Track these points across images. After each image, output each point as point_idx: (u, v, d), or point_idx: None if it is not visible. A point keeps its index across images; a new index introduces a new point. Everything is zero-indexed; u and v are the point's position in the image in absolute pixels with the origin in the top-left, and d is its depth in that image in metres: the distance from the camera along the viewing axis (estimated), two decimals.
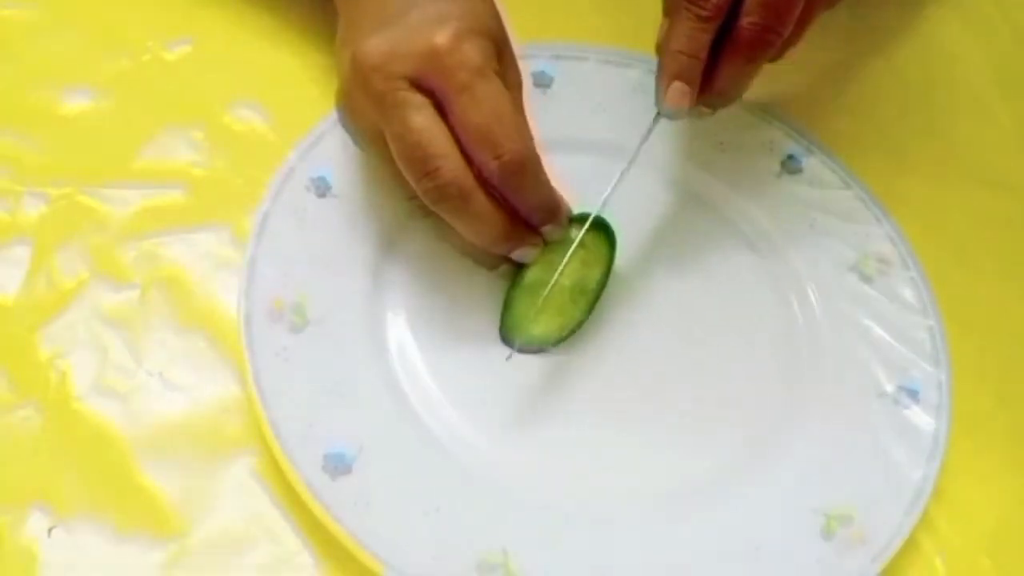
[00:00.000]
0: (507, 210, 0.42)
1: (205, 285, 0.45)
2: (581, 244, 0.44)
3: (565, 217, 0.44)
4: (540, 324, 0.44)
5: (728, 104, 0.45)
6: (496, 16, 0.43)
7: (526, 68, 0.45)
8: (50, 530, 0.38)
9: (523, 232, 0.43)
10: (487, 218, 0.41)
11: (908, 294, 0.47)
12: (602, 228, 0.45)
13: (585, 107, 0.51)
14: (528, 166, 0.41)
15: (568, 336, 0.44)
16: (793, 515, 0.41)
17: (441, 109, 0.40)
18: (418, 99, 0.40)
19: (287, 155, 0.46)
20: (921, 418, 0.43)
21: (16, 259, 0.45)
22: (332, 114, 0.46)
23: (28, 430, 0.41)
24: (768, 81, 0.44)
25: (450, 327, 0.44)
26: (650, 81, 0.43)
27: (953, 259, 0.49)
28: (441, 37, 0.40)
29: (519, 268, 0.45)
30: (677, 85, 0.42)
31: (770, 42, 0.42)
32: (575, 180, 0.44)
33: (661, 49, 0.43)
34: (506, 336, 0.44)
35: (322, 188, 0.46)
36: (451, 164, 0.40)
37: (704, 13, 0.41)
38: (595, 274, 0.45)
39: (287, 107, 0.50)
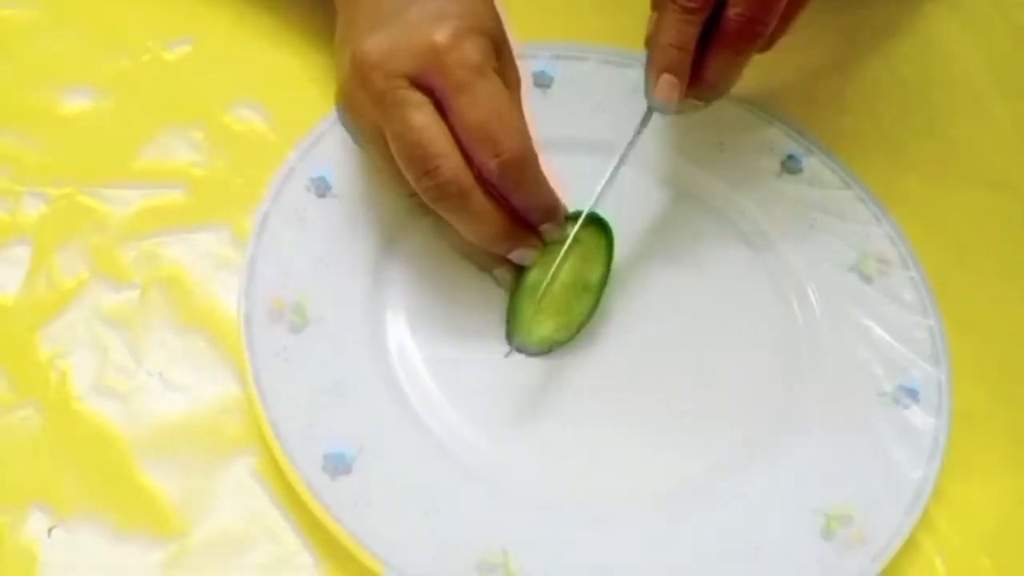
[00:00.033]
0: (506, 209, 0.42)
1: (205, 285, 0.45)
2: (577, 240, 0.44)
3: (563, 216, 0.44)
4: (543, 324, 0.44)
5: (719, 97, 0.44)
6: (495, 15, 0.43)
7: (526, 68, 0.45)
8: (50, 530, 0.38)
9: (522, 231, 0.43)
10: (486, 217, 0.41)
11: (908, 294, 0.47)
12: (598, 223, 0.45)
13: (585, 107, 0.51)
14: (527, 165, 0.41)
15: (576, 333, 0.44)
16: (793, 515, 0.41)
17: (440, 107, 0.40)
18: (418, 97, 0.40)
19: (287, 155, 0.46)
20: (921, 418, 0.43)
21: (16, 259, 0.45)
22: (332, 114, 0.46)
23: (28, 430, 0.41)
24: (768, 81, 0.44)
25: (450, 327, 0.44)
26: None
27: (953, 259, 0.49)
28: (441, 35, 0.40)
29: (519, 270, 0.45)
30: (666, 78, 0.42)
31: (757, 33, 0.42)
32: (575, 180, 0.44)
33: (650, 43, 0.43)
34: (512, 340, 0.44)
35: (322, 188, 0.46)
36: (450, 163, 0.40)
37: (691, 5, 0.41)
38: (595, 269, 0.45)
39: (287, 107, 0.50)
